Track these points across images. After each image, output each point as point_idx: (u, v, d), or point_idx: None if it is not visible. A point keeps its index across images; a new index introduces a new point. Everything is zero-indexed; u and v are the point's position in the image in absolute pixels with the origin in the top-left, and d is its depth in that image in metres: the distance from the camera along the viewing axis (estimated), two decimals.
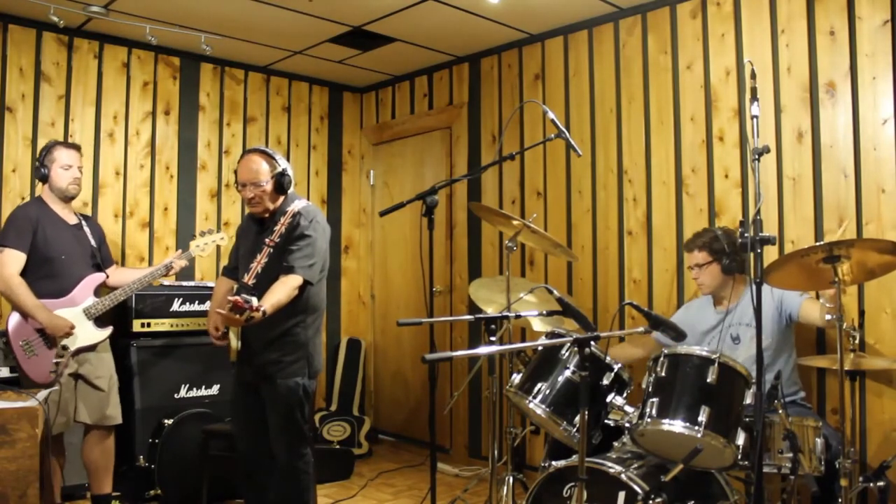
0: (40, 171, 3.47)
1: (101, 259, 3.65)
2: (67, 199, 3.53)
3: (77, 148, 3.56)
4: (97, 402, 3.48)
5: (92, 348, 3.48)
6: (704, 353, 2.58)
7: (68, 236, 3.50)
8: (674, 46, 3.89)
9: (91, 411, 3.46)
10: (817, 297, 3.16)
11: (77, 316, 3.43)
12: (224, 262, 4.06)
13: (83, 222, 3.63)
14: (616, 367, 2.79)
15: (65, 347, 3.35)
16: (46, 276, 3.39)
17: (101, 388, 3.49)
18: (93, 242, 3.60)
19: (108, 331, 3.55)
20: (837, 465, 2.45)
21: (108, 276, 3.65)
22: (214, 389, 4.21)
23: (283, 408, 3.00)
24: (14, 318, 3.34)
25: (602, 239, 4.17)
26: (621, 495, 2.50)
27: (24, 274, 3.35)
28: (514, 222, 3.23)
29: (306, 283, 2.96)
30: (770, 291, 3.00)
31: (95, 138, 4.45)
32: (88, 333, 3.46)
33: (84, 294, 3.49)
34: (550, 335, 2.91)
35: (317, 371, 3.11)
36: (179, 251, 3.77)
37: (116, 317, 3.74)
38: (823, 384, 3.34)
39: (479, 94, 4.91)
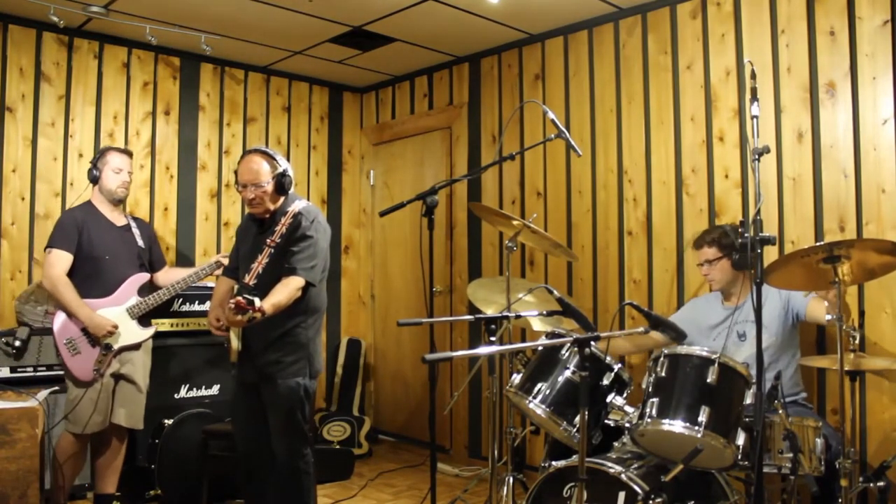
0: (92, 174, 3.58)
1: (152, 259, 3.74)
2: (116, 201, 3.62)
3: (129, 153, 3.67)
4: (136, 403, 3.55)
5: (136, 347, 3.55)
6: (704, 354, 2.58)
7: (114, 237, 3.57)
8: (674, 46, 3.89)
9: (129, 413, 3.52)
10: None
11: (120, 315, 3.48)
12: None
13: (132, 224, 3.70)
14: (616, 367, 2.79)
15: (108, 346, 3.42)
16: (91, 275, 3.46)
17: (140, 390, 3.56)
18: (140, 243, 3.67)
19: (152, 330, 3.62)
20: (837, 465, 2.44)
21: (157, 276, 3.75)
22: (214, 389, 4.22)
23: (284, 408, 3.00)
24: (60, 318, 3.41)
25: (602, 239, 4.17)
26: (621, 495, 2.50)
27: (70, 274, 3.42)
28: (514, 222, 3.23)
29: (308, 285, 2.96)
30: (777, 292, 3.01)
31: (95, 138, 4.44)
32: (132, 333, 3.52)
33: (127, 294, 3.54)
34: (550, 335, 2.91)
35: (317, 371, 3.11)
36: (224, 252, 3.86)
37: None
38: (824, 384, 3.33)
39: (479, 94, 4.91)
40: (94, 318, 3.38)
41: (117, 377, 3.49)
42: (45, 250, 3.48)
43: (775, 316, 3.04)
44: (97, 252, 3.48)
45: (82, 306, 3.38)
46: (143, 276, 3.63)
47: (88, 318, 3.38)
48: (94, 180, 3.58)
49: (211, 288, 4.10)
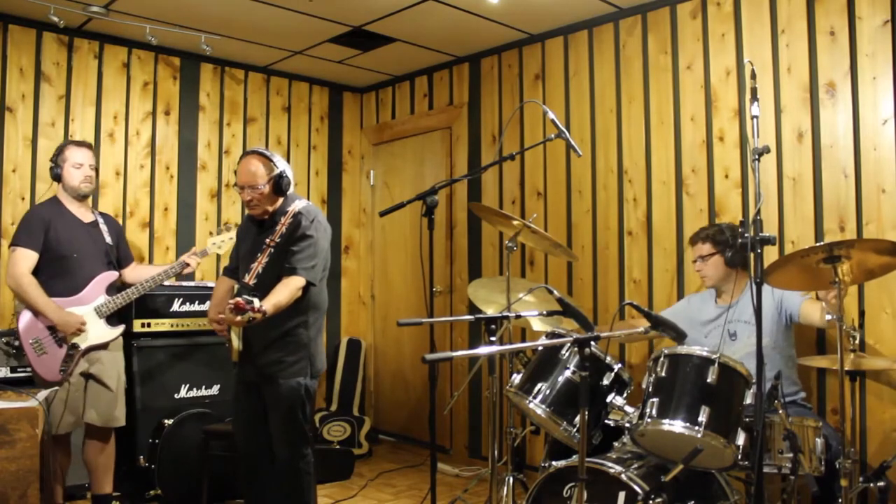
0: (54, 171, 3.50)
1: (119, 256, 3.68)
2: (80, 197, 3.54)
3: (88, 146, 3.58)
4: (107, 402, 3.49)
5: (104, 347, 3.50)
6: (705, 354, 2.58)
7: (81, 234, 3.51)
8: (674, 46, 3.89)
9: (100, 412, 3.46)
10: (817, 297, 3.16)
11: (88, 314, 3.44)
12: (224, 262, 4.06)
13: (100, 220, 3.64)
14: (616, 367, 2.79)
15: (75, 346, 3.38)
16: (58, 274, 3.41)
17: (110, 389, 3.50)
18: (108, 240, 3.61)
19: (120, 329, 3.57)
20: (837, 466, 2.44)
21: (124, 273, 3.68)
22: (214, 389, 4.22)
23: (285, 408, 3.00)
24: (25, 317, 3.35)
25: (602, 239, 4.17)
26: (621, 495, 2.50)
27: (37, 272, 3.36)
28: (514, 222, 3.23)
29: (309, 285, 2.96)
30: (770, 291, 3.00)
31: (95, 138, 4.44)
32: (100, 332, 3.48)
33: (96, 292, 3.49)
34: (550, 335, 2.91)
35: (319, 371, 3.11)
36: (194, 248, 3.80)
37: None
38: (823, 384, 3.34)
39: (479, 94, 4.91)
40: (63, 316, 3.33)
41: (87, 376, 3.44)
42: (9, 248, 3.41)
43: (769, 317, 3.03)
44: (64, 250, 3.41)
45: (50, 304, 3.32)
46: (112, 275, 3.57)
47: (57, 314, 3.32)
48: (57, 178, 3.50)
49: (211, 287, 4.10)
